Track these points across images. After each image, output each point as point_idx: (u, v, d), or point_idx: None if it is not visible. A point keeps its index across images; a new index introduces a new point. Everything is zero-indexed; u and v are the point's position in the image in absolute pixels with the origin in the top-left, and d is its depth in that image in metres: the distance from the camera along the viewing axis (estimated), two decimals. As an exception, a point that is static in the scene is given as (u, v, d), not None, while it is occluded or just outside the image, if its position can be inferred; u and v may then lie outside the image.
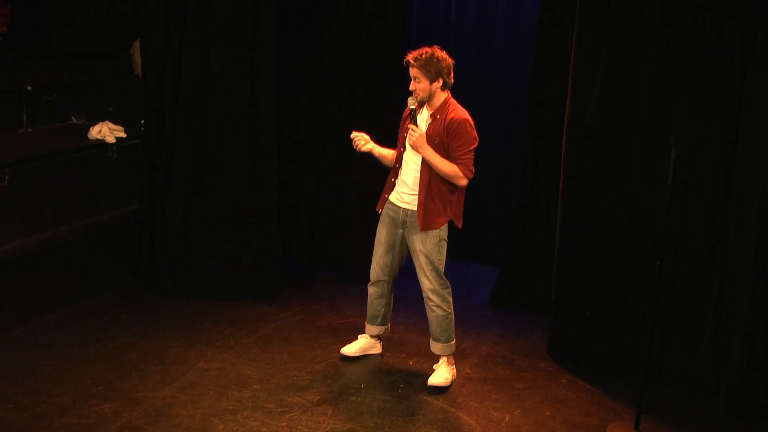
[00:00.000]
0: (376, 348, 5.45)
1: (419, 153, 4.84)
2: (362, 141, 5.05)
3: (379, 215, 5.17)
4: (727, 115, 4.95)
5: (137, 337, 5.46)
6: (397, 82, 6.34)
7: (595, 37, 5.14)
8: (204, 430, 4.46)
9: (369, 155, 5.12)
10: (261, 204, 6.17)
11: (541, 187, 6.00)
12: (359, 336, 5.47)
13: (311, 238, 6.82)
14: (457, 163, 4.81)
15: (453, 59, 4.88)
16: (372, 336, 5.42)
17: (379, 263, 5.20)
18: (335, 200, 6.67)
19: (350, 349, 5.39)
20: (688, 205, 5.09)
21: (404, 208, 5.01)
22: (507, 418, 4.78)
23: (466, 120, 4.82)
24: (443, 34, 6.81)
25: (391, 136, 5.85)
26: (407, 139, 4.91)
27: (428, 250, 4.95)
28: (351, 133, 5.07)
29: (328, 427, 4.56)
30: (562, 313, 5.47)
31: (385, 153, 5.12)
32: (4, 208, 5.28)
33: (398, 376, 5.18)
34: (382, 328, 5.39)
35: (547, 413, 4.86)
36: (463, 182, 4.86)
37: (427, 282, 5.00)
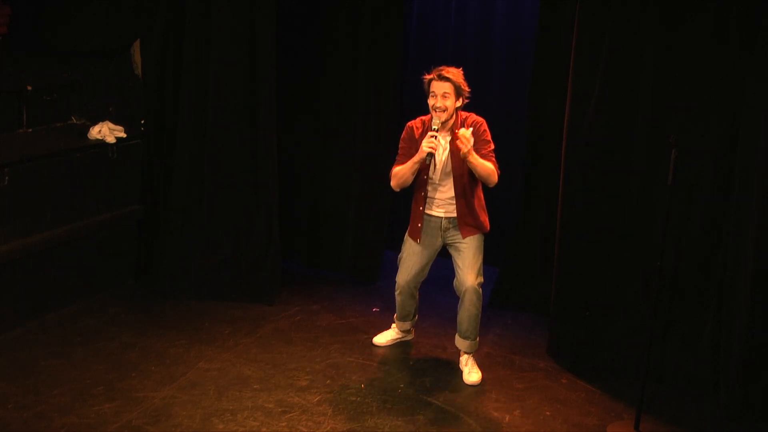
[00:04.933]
0: (408, 336, 5.65)
1: (469, 158, 4.76)
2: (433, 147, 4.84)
3: (405, 207, 5.26)
4: (727, 115, 4.95)
5: (137, 337, 5.46)
6: (397, 82, 6.35)
7: (595, 37, 5.14)
8: (204, 430, 4.47)
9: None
10: (261, 204, 6.17)
11: (541, 186, 6.00)
12: (392, 326, 5.62)
13: (311, 238, 6.82)
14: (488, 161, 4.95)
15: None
16: (403, 330, 5.60)
17: (410, 273, 5.23)
18: (335, 200, 6.67)
19: (381, 340, 5.57)
20: (688, 205, 5.09)
21: (446, 217, 5.09)
22: (507, 418, 4.78)
23: (483, 121, 4.98)
24: (443, 35, 6.82)
25: (390, 135, 5.86)
26: (461, 147, 4.75)
27: (475, 245, 5.08)
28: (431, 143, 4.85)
29: (328, 427, 4.56)
30: (562, 313, 5.47)
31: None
32: (4, 208, 5.28)
33: (398, 377, 5.18)
34: (413, 321, 5.59)
35: (547, 413, 4.86)
36: (496, 178, 4.95)
37: (471, 277, 5.05)
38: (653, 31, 5.01)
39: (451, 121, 4.94)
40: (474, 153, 4.82)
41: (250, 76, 6.05)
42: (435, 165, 4.98)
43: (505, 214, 6.71)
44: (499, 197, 6.72)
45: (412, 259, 5.21)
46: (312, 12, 6.46)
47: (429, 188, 5.07)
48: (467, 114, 5.01)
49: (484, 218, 5.12)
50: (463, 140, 4.74)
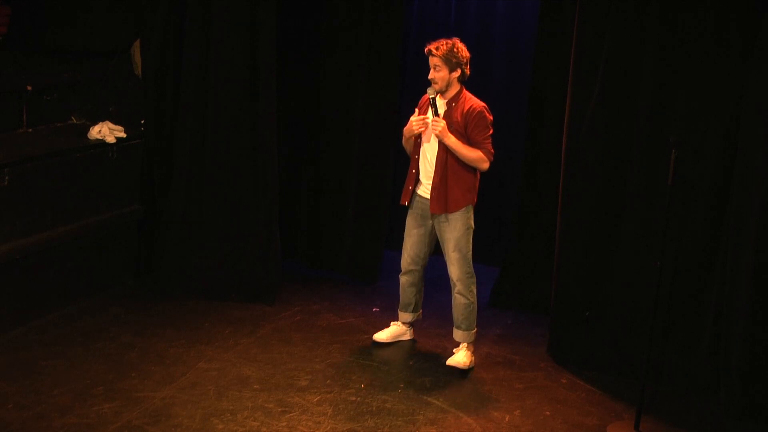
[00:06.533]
0: (407, 334, 5.64)
1: (444, 142, 4.99)
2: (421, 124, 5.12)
3: (405, 208, 5.33)
4: (727, 115, 4.95)
5: (137, 337, 5.46)
6: (397, 81, 6.35)
7: (595, 37, 5.14)
8: (204, 430, 4.46)
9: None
10: (261, 204, 6.17)
11: (541, 186, 6.00)
12: (392, 323, 5.64)
13: (311, 238, 6.82)
14: (479, 147, 5.02)
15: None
16: (404, 323, 5.61)
17: (409, 254, 5.37)
18: (335, 200, 6.66)
19: (382, 336, 5.58)
20: (688, 205, 5.09)
21: (430, 199, 5.15)
22: (507, 418, 4.78)
23: (483, 107, 5.06)
24: (443, 34, 6.77)
25: (390, 135, 5.88)
26: (432, 129, 5.03)
27: (456, 236, 5.12)
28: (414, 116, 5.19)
29: (328, 427, 4.56)
30: (562, 313, 5.47)
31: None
32: (4, 208, 5.27)
33: (398, 376, 5.18)
34: (414, 315, 5.60)
35: (547, 413, 4.86)
36: (486, 165, 5.07)
37: (454, 269, 5.18)
38: (653, 31, 5.01)
39: (451, 92, 5.06)
40: (450, 136, 4.96)
41: (249, 75, 6.05)
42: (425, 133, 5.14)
43: (505, 213, 6.71)
44: (498, 197, 6.74)
45: (409, 238, 5.34)
46: (312, 12, 6.46)
47: (420, 164, 5.17)
48: (470, 96, 5.08)
49: (456, 200, 5.07)
50: (434, 124, 4.98)
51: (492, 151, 5.06)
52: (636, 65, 5.08)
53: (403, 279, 5.47)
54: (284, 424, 4.57)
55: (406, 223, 5.35)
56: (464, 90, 5.11)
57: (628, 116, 5.15)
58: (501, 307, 6.22)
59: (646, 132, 5.12)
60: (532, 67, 6.00)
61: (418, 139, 5.18)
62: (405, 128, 5.21)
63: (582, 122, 5.23)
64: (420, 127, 5.07)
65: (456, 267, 5.18)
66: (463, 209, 5.11)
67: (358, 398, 4.88)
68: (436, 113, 5.01)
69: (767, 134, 4.73)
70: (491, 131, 5.07)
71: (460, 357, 5.26)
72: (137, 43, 6.30)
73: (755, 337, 4.84)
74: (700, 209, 5.09)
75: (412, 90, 6.82)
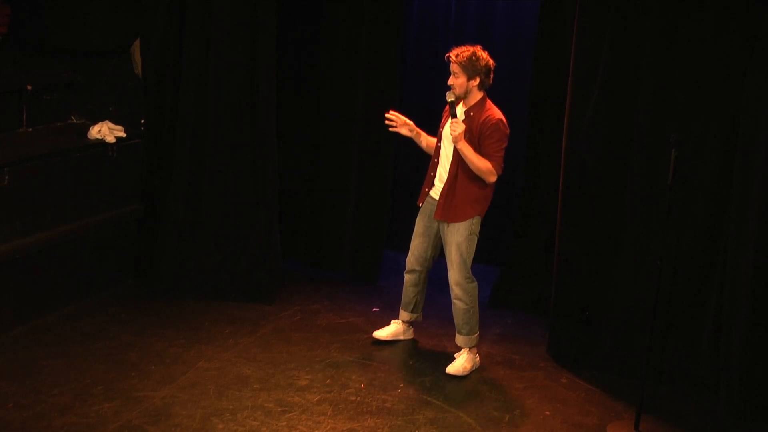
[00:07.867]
0: (408, 333, 5.66)
1: (456, 145, 4.95)
2: (397, 124, 5.18)
3: (410, 208, 5.39)
4: (727, 115, 4.95)
5: (137, 337, 5.46)
6: (397, 81, 6.35)
7: (595, 37, 5.14)
8: (204, 429, 4.46)
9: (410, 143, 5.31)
10: (261, 203, 6.17)
11: (541, 186, 6.01)
12: (392, 321, 5.65)
13: (311, 238, 6.82)
14: (489, 160, 4.97)
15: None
16: (404, 321, 5.62)
17: (414, 253, 5.38)
18: (335, 200, 6.67)
19: (382, 333, 5.60)
20: (688, 205, 5.09)
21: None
22: (507, 418, 4.78)
23: (500, 119, 4.99)
24: (443, 34, 6.82)
25: (390, 136, 5.87)
26: (449, 129, 4.98)
27: (459, 241, 5.11)
28: (389, 112, 5.22)
29: (328, 427, 4.56)
30: (562, 313, 5.47)
31: (432, 142, 5.30)
32: (4, 208, 5.27)
33: (398, 376, 5.18)
34: (414, 315, 5.60)
35: (547, 413, 4.86)
36: (493, 178, 5.02)
37: (454, 273, 5.18)
38: (653, 31, 5.01)
39: (471, 100, 5.01)
40: (464, 142, 4.92)
41: (250, 75, 6.05)
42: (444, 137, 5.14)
43: (506, 213, 6.71)
44: (498, 196, 6.74)
45: (416, 238, 5.35)
46: (312, 12, 6.46)
47: (438, 167, 5.17)
48: (490, 107, 5.03)
49: (462, 211, 5.07)
50: (453, 125, 4.93)
51: (502, 165, 5.01)
52: (636, 65, 5.08)
53: (407, 278, 5.49)
54: (284, 423, 4.57)
55: (416, 222, 5.35)
56: (487, 100, 5.04)
57: (628, 116, 5.16)
58: (501, 307, 6.23)
59: (646, 132, 5.12)
60: (532, 67, 6.00)
61: (439, 143, 5.17)
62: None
63: (582, 122, 5.23)
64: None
65: (456, 271, 5.16)
66: (469, 219, 5.10)
67: (358, 398, 4.88)
68: (453, 115, 4.96)
69: (767, 135, 4.73)
70: (505, 144, 5.00)
71: (459, 363, 5.24)
72: (137, 43, 6.29)
73: (755, 337, 4.84)
74: (700, 209, 5.09)
75: (412, 90, 6.84)
